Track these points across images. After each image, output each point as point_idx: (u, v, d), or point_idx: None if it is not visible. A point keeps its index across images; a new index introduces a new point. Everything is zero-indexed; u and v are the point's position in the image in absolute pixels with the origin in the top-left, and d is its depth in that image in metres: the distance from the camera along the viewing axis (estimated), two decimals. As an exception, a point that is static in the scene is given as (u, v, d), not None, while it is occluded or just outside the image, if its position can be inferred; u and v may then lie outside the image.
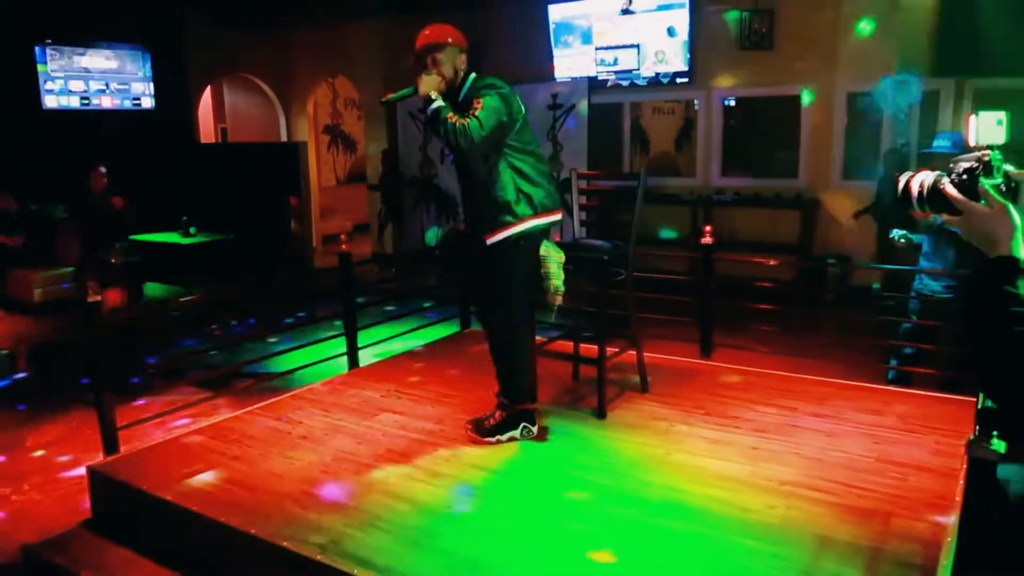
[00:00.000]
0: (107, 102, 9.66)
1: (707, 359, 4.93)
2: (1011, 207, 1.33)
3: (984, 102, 7.98)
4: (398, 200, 10.51)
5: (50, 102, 9.12)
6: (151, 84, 10.01)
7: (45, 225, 7.92)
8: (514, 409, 3.52)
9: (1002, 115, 1.40)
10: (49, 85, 9.10)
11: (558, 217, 3.48)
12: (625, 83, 9.04)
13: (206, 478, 3.28)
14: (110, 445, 3.55)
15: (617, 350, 4.08)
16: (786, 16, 8.04)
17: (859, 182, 7.99)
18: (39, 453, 4.72)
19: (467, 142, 3.15)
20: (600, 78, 9.11)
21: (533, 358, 3.63)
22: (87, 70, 9.44)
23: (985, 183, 1.34)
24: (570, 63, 9.29)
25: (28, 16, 8.55)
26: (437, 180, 10.29)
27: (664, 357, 4.75)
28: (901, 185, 1.45)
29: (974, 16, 7.18)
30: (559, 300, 3.58)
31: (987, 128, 1.37)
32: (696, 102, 9.08)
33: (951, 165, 1.39)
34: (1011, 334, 1.24)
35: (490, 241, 3.36)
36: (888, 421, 3.67)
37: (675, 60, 8.64)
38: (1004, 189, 1.35)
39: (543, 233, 3.47)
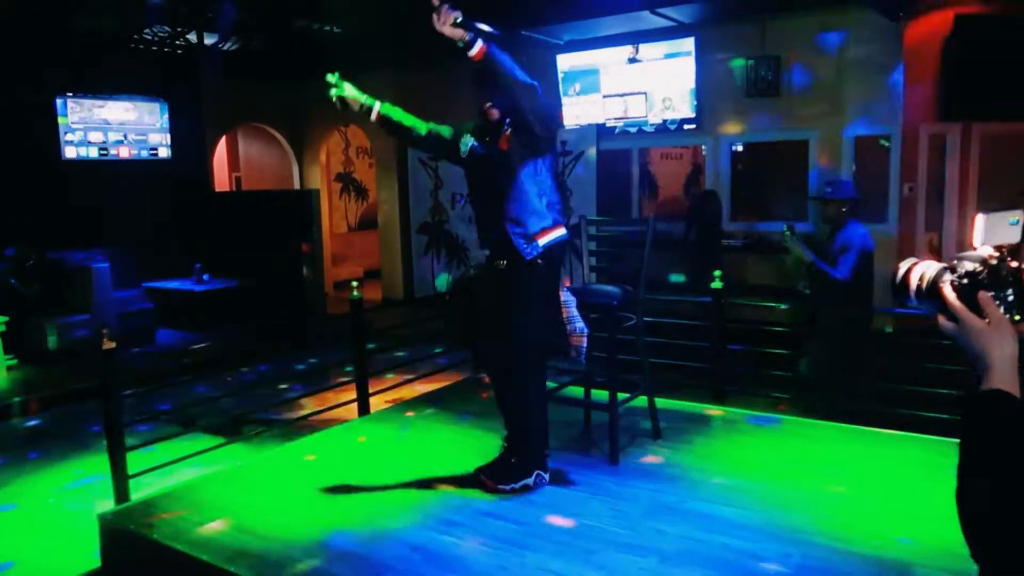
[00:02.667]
0: (125, 152, 9.85)
1: (720, 404, 4.90)
2: (1011, 326, 1.15)
3: (990, 146, 8.05)
4: None
5: (69, 152, 9.31)
6: (168, 135, 10.21)
7: (59, 274, 8.01)
8: (527, 457, 3.50)
9: (1018, 214, 1.34)
10: (69, 136, 9.30)
11: (566, 232, 3.51)
12: (633, 130, 9.16)
13: (216, 526, 3.26)
14: (121, 493, 3.54)
15: (629, 396, 4.07)
16: (792, 63, 8.15)
17: (868, 225, 7.97)
18: (50, 501, 4.71)
19: (531, 100, 3.14)
20: (608, 125, 9.23)
21: (546, 404, 3.62)
22: (106, 121, 9.65)
23: (987, 293, 1.17)
24: (579, 111, 9.43)
25: (50, 68, 8.78)
26: (448, 226, 10.39)
27: (677, 403, 4.72)
28: (900, 273, 1.29)
29: (980, 61, 7.28)
30: (583, 340, 3.56)
31: (997, 229, 1.31)
32: (704, 148, 9.17)
33: (955, 262, 1.23)
34: (1007, 487, 1.06)
35: (531, 251, 3.32)
36: (905, 466, 3.62)
37: (682, 107, 8.75)
38: (1011, 301, 1.17)
39: (562, 251, 3.47)
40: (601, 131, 9.16)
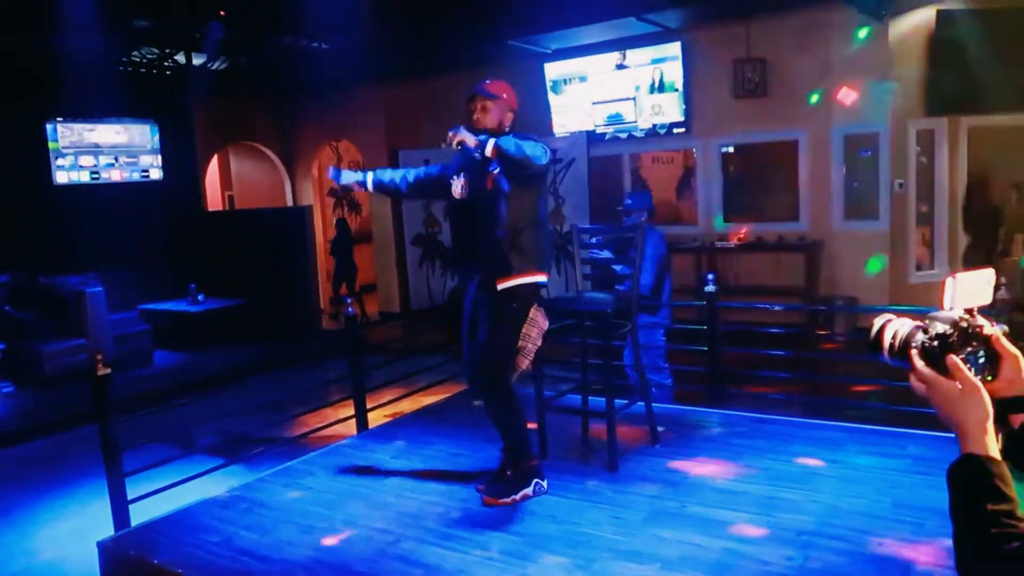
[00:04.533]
0: (116, 175, 9.85)
1: (718, 408, 4.90)
2: (984, 389, 1.14)
3: (978, 139, 8.09)
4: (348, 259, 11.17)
5: (61, 178, 9.31)
6: (159, 156, 10.21)
7: (55, 299, 8.00)
8: (523, 467, 3.50)
9: (990, 273, 1.30)
10: (60, 161, 9.30)
11: (546, 279, 3.57)
12: (623, 135, 9.19)
13: (217, 549, 3.25)
14: (120, 519, 3.53)
15: (626, 402, 4.07)
16: (778, 63, 8.19)
17: (861, 222, 8.04)
18: (51, 528, 4.69)
19: (535, 167, 3.32)
20: (598, 131, 9.26)
21: (522, 412, 3.59)
22: (97, 145, 9.65)
23: (956, 357, 1.15)
24: (567, 119, 9.46)
25: (39, 94, 8.79)
26: (441, 237, 10.41)
27: (674, 407, 4.73)
28: (874, 330, 1.27)
29: (966, 54, 7.32)
30: (527, 364, 3.59)
31: (970, 290, 1.28)
32: (695, 151, 9.20)
33: (926, 322, 1.22)
34: (991, 553, 1.06)
35: (503, 286, 3.39)
36: (904, 464, 3.63)
37: (671, 111, 8.79)
38: (982, 362, 1.17)
39: (538, 292, 3.53)
40: (591, 138, 9.19)
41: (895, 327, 1.25)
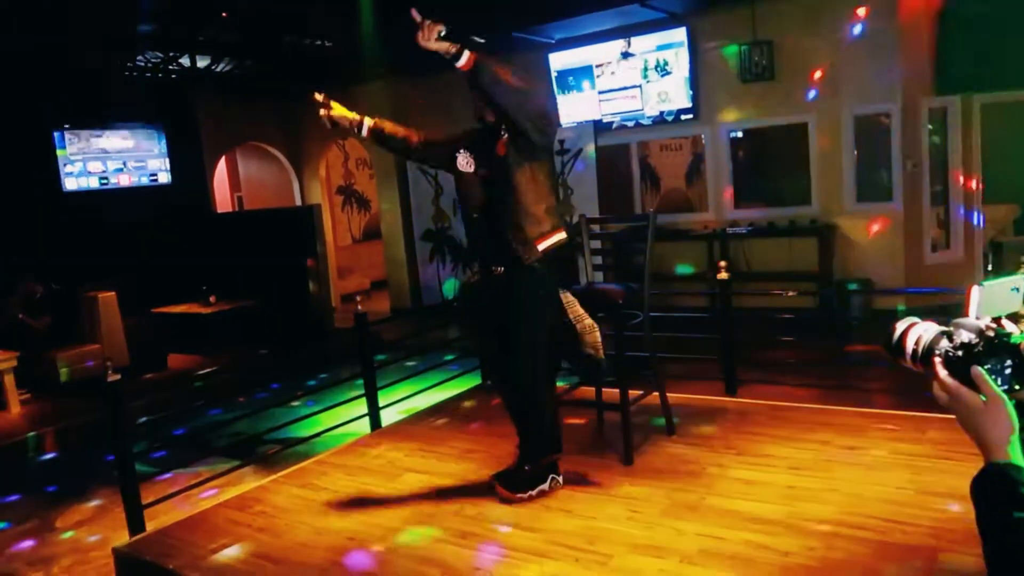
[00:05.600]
0: (125, 180, 9.86)
1: (733, 396, 4.84)
2: (1009, 402, 1.10)
3: (991, 116, 7.96)
4: None
5: (70, 184, 9.33)
6: (167, 160, 10.22)
7: (68, 305, 8.03)
8: (540, 462, 3.45)
9: (1019, 281, 1.22)
10: (68, 168, 9.32)
11: (566, 235, 3.46)
12: (630, 124, 9.10)
13: (232, 553, 3.24)
14: (135, 525, 3.53)
15: (640, 393, 4.02)
16: (785, 46, 8.08)
17: (873, 203, 7.93)
18: (68, 535, 4.70)
19: (519, 99, 3.09)
20: (605, 121, 9.18)
21: (555, 407, 3.58)
22: (104, 151, 9.67)
23: (981, 368, 1.11)
24: (574, 109, 9.38)
25: (46, 102, 8.81)
26: (451, 232, 10.37)
27: (689, 397, 4.68)
28: (897, 334, 1.24)
29: (975, 32, 7.20)
30: (597, 336, 3.51)
31: (996, 298, 1.21)
32: (703, 137, 9.11)
33: (952, 328, 1.17)
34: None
35: (529, 255, 3.27)
36: (925, 449, 3.57)
37: (678, 98, 8.69)
38: (1009, 373, 1.12)
39: (563, 254, 3.43)
40: (598, 127, 9.11)
41: (919, 331, 1.21)
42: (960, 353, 1.13)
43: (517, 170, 3.28)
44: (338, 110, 3.53)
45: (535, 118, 3.21)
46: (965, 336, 1.14)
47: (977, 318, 1.15)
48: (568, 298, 3.54)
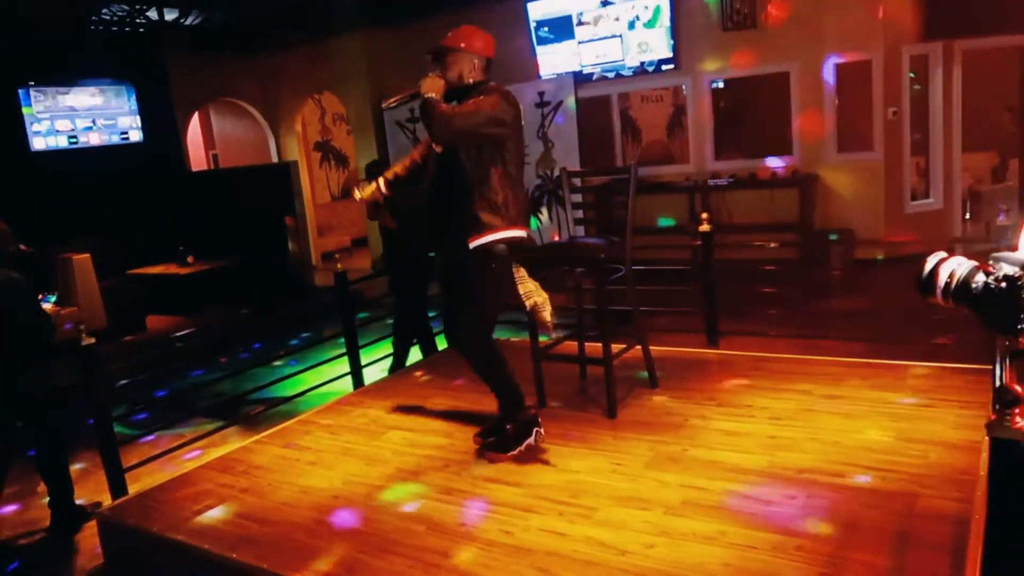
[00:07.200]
0: (95, 139, 9.64)
1: (715, 348, 4.86)
2: None
3: (972, 63, 7.91)
4: None
5: (38, 144, 9.10)
6: (138, 117, 9.98)
7: (41, 268, 7.88)
8: (518, 418, 3.46)
9: None
10: (36, 127, 9.08)
11: (526, 234, 3.42)
12: (611, 75, 8.97)
13: (216, 514, 3.23)
14: (116, 488, 3.50)
15: (623, 347, 4.02)
16: (767, -7, 7.95)
17: (854, 153, 7.91)
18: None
19: (443, 129, 3.13)
20: (585, 72, 9.04)
21: (505, 362, 3.52)
22: (73, 109, 9.41)
23: None
24: (554, 59, 9.22)
25: (9, 58, 8.53)
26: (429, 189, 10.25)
27: (671, 349, 4.69)
28: (928, 268, 1.20)
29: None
30: (549, 314, 3.52)
31: None
32: (684, 87, 9.00)
33: (990, 263, 1.15)
34: None
35: (475, 244, 3.27)
36: (904, 397, 3.60)
37: (659, 47, 8.56)
38: None
39: (518, 247, 3.40)
40: (578, 79, 8.97)
41: (951, 266, 1.17)
42: (1004, 285, 1.11)
43: (466, 159, 3.27)
44: (367, 192, 3.74)
45: (461, 138, 3.21)
46: (1008, 269, 1.11)
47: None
48: (520, 273, 3.50)
